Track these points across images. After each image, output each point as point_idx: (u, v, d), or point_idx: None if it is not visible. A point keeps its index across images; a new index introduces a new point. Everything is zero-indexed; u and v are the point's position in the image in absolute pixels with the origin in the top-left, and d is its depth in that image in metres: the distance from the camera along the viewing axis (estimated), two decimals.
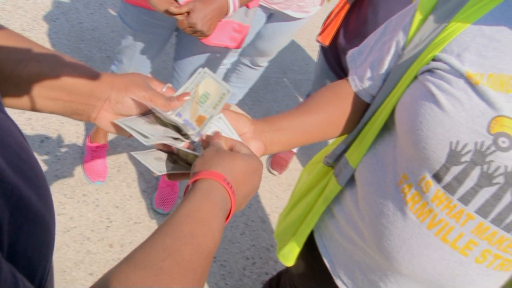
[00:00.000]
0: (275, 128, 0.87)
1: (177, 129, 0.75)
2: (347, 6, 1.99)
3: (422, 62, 0.83)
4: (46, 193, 0.44)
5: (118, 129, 0.71)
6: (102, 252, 1.98)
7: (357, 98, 0.97)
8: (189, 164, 0.74)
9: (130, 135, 0.70)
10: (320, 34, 2.09)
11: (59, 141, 2.31)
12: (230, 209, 0.61)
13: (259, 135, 0.84)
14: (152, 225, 2.17)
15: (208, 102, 0.77)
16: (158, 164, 0.72)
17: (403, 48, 0.88)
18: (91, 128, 2.36)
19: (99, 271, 1.91)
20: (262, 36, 2.21)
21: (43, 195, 0.43)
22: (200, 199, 0.56)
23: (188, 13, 1.37)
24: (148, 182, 2.34)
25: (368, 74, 0.94)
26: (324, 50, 2.14)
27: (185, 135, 0.75)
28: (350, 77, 0.98)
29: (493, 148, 0.73)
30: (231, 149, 0.71)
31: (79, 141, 2.37)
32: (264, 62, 2.49)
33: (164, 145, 0.76)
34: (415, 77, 0.85)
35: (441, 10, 0.83)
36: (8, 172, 0.37)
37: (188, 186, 0.61)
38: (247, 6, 1.56)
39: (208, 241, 0.51)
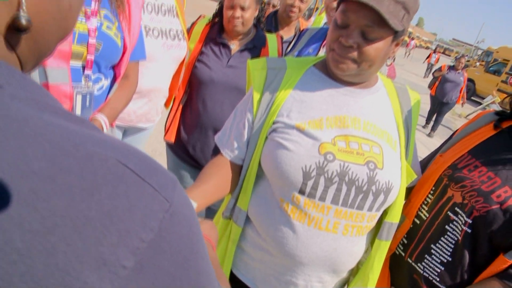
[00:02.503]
0: None
1: None
2: (181, 107, 2.47)
3: (267, 126, 1.30)
4: None
5: None
6: None
7: (232, 164, 1.37)
8: None
9: None
10: (165, 134, 2.50)
11: None
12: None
13: None
14: None
15: None
16: None
17: (253, 122, 1.34)
18: None
19: None
20: None
21: None
22: None
23: None
24: None
25: (235, 145, 1.36)
26: (171, 146, 2.54)
27: None
28: (223, 152, 1.38)
29: (325, 162, 1.21)
30: None
31: None
32: None
33: None
34: (266, 138, 1.31)
35: (268, 91, 1.33)
36: None
37: None
38: (111, 125, 1.89)
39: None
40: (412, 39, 41.64)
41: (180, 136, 2.46)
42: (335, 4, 2.10)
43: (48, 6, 0.46)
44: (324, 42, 2.19)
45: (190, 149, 2.43)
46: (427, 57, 23.57)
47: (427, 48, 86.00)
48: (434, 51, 23.47)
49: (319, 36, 2.20)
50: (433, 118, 10.16)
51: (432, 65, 22.64)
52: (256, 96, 1.34)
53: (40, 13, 0.46)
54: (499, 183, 1.21)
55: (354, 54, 1.20)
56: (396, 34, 1.21)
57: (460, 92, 9.56)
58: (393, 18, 1.14)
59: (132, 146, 0.45)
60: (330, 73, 1.32)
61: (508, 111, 1.37)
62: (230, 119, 1.43)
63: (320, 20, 3.23)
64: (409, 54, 34.44)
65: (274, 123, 1.29)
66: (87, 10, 1.64)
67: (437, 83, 9.77)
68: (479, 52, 34.12)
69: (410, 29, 70.01)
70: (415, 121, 1.40)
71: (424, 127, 10.40)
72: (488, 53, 23.46)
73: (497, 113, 1.40)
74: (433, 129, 10.01)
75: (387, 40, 1.20)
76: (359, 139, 1.25)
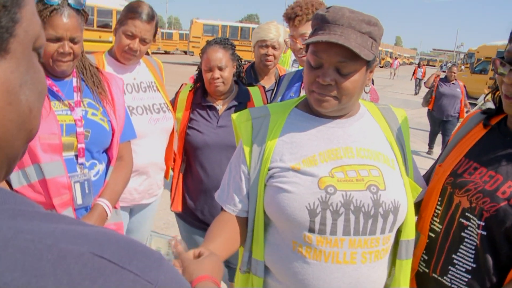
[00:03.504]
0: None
1: None
2: (181, 175, 2.48)
3: (264, 174, 1.31)
4: None
5: None
6: None
7: (237, 218, 1.38)
8: None
9: None
10: (171, 205, 2.50)
11: None
12: None
13: None
14: None
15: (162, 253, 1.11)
16: None
17: (248, 173, 1.36)
18: None
19: None
20: (131, 230, 2.49)
21: None
22: None
23: None
24: None
25: (236, 199, 1.37)
26: (180, 215, 2.53)
27: None
28: (225, 208, 1.39)
29: (327, 196, 1.22)
30: (199, 255, 1.09)
31: None
32: None
33: None
34: (265, 185, 1.32)
35: (257, 141, 1.35)
36: None
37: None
38: (115, 207, 1.91)
39: None
40: (396, 58, 42.20)
41: (187, 204, 2.46)
42: (299, 45, 2.17)
43: (7, 115, 0.47)
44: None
45: (199, 214, 2.43)
46: (413, 74, 22.84)
47: (410, 64, 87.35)
48: (419, 66, 22.86)
49: (297, 77, 2.26)
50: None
51: (420, 80, 21.80)
52: (247, 148, 1.36)
53: (1, 122, 0.46)
54: (501, 180, 1.21)
55: (334, 91, 1.24)
56: (369, 63, 1.26)
57: (461, 105, 8.16)
58: (363, 50, 1.19)
59: (111, 234, 0.46)
60: (313, 110, 1.35)
61: (494, 108, 1.38)
62: (226, 175, 1.45)
63: (286, 59, 3.28)
64: (394, 74, 34.64)
65: (269, 169, 1.31)
66: (70, 102, 1.70)
67: (434, 95, 8.35)
68: (462, 56, 34.61)
69: (390, 50, 71.29)
70: (407, 136, 1.42)
71: (428, 153, 8.75)
72: (470, 54, 23.75)
73: (483, 112, 1.42)
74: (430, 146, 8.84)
75: (362, 71, 1.24)
76: (356, 166, 1.27)
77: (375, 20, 1.25)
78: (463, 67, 24.01)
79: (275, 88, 2.48)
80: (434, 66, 76.65)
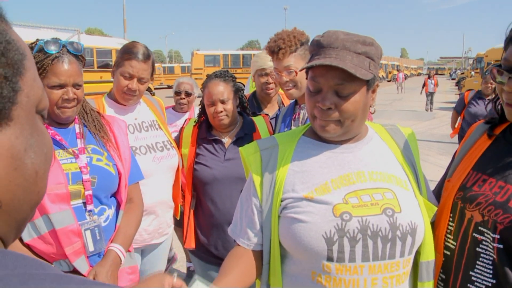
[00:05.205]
0: None
1: None
2: (192, 211, 2.46)
3: (277, 206, 1.30)
4: None
5: None
6: None
7: (252, 251, 1.36)
8: None
9: None
10: (184, 243, 2.48)
11: None
12: None
13: None
14: None
15: None
16: None
17: (261, 206, 1.34)
18: None
19: None
20: (144, 272, 2.45)
21: None
22: None
23: (94, 278, 1.65)
24: None
25: (250, 233, 1.36)
26: (194, 252, 2.50)
27: None
28: (239, 242, 1.37)
29: (343, 223, 1.20)
30: None
31: None
32: None
33: None
34: (279, 217, 1.30)
35: (267, 172, 1.34)
36: None
37: None
38: (129, 250, 1.90)
39: None
40: (399, 71, 41.36)
41: (200, 240, 2.43)
42: (284, 78, 2.15)
43: (14, 180, 0.47)
44: (294, 115, 2.25)
45: (213, 249, 2.40)
46: (423, 87, 20.37)
47: (418, 74, 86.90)
48: (429, 77, 20.25)
49: (289, 112, 2.28)
50: None
51: (433, 93, 19.39)
52: (257, 180, 1.35)
53: (7, 187, 0.47)
54: None
55: (335, 114, 1.23)
56: (368, 83, 1.25)
57: None
58: (359, 70, 1.20)
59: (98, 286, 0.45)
60: (321, 137, 1.34)
61: (497, 117, 1.36)
62: (237, 209, 1.45)
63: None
64: (401, 88, 33.53)
65: (282, 200, 1.30)
66: (74, 150, 1.72)
67: (460, 121, 6.12)
68: (471, 62, 34.15)
69: (396, 63, 71.00)
70: (417, 155, 1.41)
71: None
72: (479, 59, 23.54)
73: (487, 121, 1.40)
74: None
75: (362, 91, 1.24)
76: (369, 190, 1.26)
77: (371, 40, 1.26)
78: (473, 72, 23.62)
79: (274, 124, 2.48)
80: (443, 74, 76.01)
